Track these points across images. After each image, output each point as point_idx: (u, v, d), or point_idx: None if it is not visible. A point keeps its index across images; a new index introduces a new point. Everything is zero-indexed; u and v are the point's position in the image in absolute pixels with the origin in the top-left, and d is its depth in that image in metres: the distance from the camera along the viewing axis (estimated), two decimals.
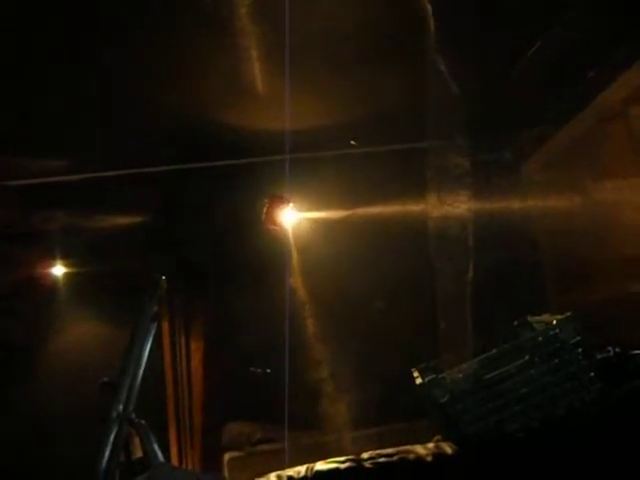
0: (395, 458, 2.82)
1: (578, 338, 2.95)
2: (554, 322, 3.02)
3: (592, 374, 2.92)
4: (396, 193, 5.08)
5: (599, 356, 3.00)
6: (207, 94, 4.41)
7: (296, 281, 5.40)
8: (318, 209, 5.31)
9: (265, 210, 4.96)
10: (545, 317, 3.23)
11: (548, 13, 3.85)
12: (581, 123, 4.71)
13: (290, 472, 2.81)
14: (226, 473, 5.07)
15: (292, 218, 5.17)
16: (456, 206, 4.68)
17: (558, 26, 3.94)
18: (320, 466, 2.82)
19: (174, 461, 5.39)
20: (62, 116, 4.35)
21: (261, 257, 5.22)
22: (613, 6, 3.74)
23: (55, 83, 4.01)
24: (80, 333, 5.65)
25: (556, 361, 2.94)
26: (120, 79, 4.10)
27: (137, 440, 2.86)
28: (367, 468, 2.78)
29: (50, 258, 5.69)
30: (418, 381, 3.17)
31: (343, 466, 2.80)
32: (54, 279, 5.73)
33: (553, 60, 4.23)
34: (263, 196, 5.01)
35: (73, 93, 4.14)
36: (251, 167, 5.32)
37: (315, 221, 5.33)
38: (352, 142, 5.21)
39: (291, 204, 5.06)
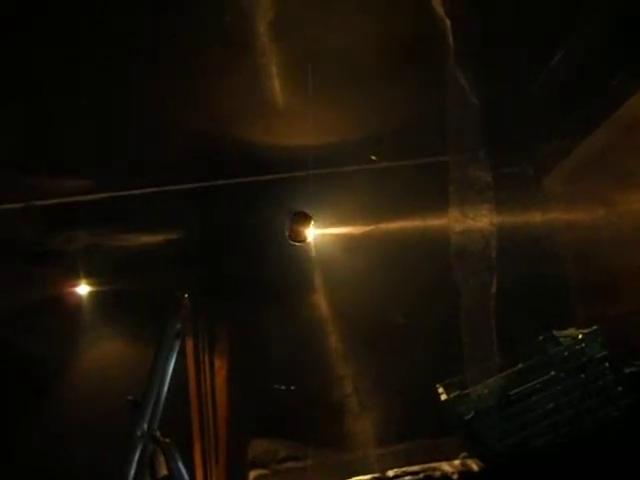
0: (421, 475, 2.81)
1: (605, 352, 2.92)
2: (580, 336, 2.99)
3: (620, 389, 2.88)
4: (418, 208, 5.07)
5: (627, 370, 2.96)
6: (229, 111, 4.44)
7: (319, 297, 5.39)
8: (340, 225, 5.32)
9: (288, 226, 4.97)
10: (571, 331, 3.21)
11: (567, 24, 3.84)
12: (604, 133, 4.67)
13: None
14: None
15: (315, 234, 5.18)
16: (479, 220, 4.66)
17: (578, 36, 3.93)
18: None
19: (199, 479, 5.39)
20: (86, 135, 4.40)
21: (284, 273, 5.23)
22: (633, 13, 3.73)
23: (79, 103, 4.06)
24: (104, 351, 5.67)
25: (583, 376, 2.91)
26: (143, 98, 4.14)
27: (162, 458, 2.86)
28: None
29: (74, 277, 5.72)
30: (443, 397, 3.15)
31: None
32: (78, 297, 5.76)
33: (574, 71, 4.21)
34: (286, 212, 5.02)
35: (97, 112, 4.19)
36: (273, 183, 5.34)
37: (337, 237, 5.33)
38: (373, 157, 5.22)
39: (313, 220, 5.07)
